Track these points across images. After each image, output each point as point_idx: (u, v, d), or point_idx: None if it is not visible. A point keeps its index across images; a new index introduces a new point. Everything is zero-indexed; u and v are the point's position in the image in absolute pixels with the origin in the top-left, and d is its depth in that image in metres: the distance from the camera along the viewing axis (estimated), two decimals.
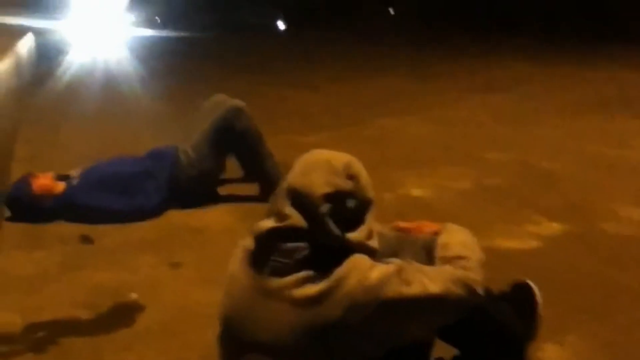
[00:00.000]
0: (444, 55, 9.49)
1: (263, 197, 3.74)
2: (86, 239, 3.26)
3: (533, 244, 2.97)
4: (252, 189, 3.83)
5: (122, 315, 2.54)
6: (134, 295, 2.66)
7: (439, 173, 4.12)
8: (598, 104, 5.90)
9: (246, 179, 3.96)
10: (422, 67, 8.76)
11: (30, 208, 3.44)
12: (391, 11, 14.60)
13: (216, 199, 3.79)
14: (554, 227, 3.12)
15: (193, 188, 3.75)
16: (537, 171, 4.05)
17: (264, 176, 3.81)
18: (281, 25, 14.10)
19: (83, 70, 5.51)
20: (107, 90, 6.08)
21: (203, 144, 3.76)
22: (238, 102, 3.84)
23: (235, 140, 3.78)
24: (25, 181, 3.49)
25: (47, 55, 4.17)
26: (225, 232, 3.36)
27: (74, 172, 3.68)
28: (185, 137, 3.87)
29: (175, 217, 3.58)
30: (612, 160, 4.12)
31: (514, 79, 7.56)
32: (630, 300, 2.40)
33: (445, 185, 3.87)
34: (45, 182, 3.52)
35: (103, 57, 5.09)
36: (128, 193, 3.58)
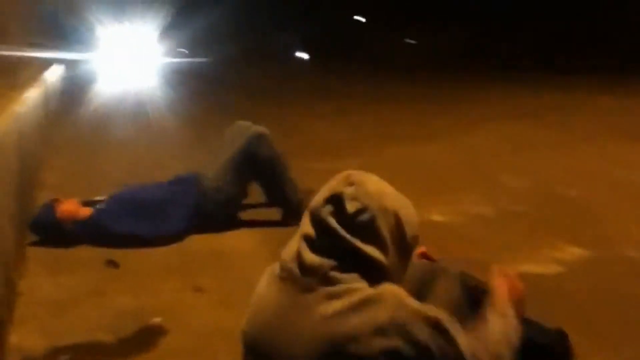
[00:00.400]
0: (463, 84, 9.53)
1: (285, 222, 3.77)
2: (112, 263, 3.28)
3: (556, 269, 2.94)
4: (273, 213, 3.85)
5: (145, 339, 2.55)
6: (157, 320, 2.67)
7: (459, 199, 4.10)
8: (617, 131, 5.85)
9: (269, 204, 3.98)
10: (442, 94, 8.79)
11: (53, 232, 3.49)
12: (411, 41, 14.73)
13: (238, 224, 3.81)
14: (575, 252, 3.09)
15: (217, 213, 3.78)
16: (556, 197, 4.02)
17: (286, 201, 3.83)
18: (304, 55, 14.28)
19: (113, 99, 5.61)
20: (136, 118, 6.17)
21: (227, 170, 3.80)
22: (261, 129, 3.87)
23: (258, 167, 3.81)
24: (49, 206, 3.55)
25: (79, 83, 4.28)
26: (248, 256, 3.37)
27: (100, 198, 3.73)
28: (209, 163, 3.92)
29: (198, 241, 3.60)
30: (634, 186, 4.07)
31: (533, 106, 7.55)
32: None
33: (466, 211, 3.86)
34: (69, 207, 3.57)
35: (133, 86, 5.18)
36: (153, 219, 3.61)
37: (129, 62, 9.57)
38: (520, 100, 8.21)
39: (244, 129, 3.91)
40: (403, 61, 12.36)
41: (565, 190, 4.12)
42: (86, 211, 3.60)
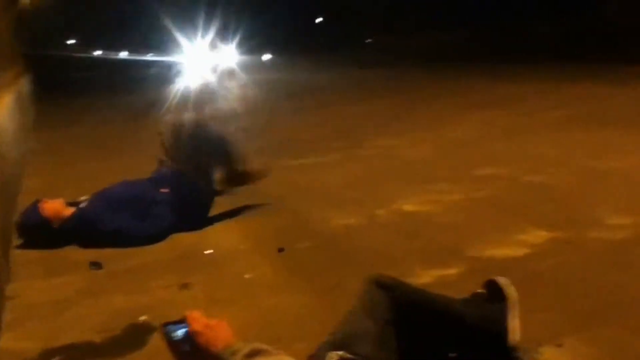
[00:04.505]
0: (434, 77, 9.60)
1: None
2: (95, 265, 3.24)
3: (524, 251, 2.95)
4: (257, 211, 3.85)
5: (136, 338, 2.51)
6: (144, 318, 2.64)
7: (432, 188, 4.11)
8: (582, 118, 5.90)
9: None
10: (416, 88, 8.85)
11: (40, 231, 3.42)
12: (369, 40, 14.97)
13: (222, 221, 3.80)
14: (543, 235, 3.10)
15: (200, 206, 3.78)
16: (524, 183, 4.03)
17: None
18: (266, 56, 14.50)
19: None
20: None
21: (191, 161, 3.84)
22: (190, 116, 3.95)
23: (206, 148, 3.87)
24: (35, 206, 3.49)
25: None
26: (234, 252, 3.35)
27: (84, 197, 3.69)
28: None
29: (184, 239, 3.57)
30: (599, 171, 4.10)
31: (501, 96, 7.61)
32: (626, 303, 2.37)
33: (438, 200, 3.86)
34: (54, 206, 3.52)
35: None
36: (138, 217, 3.58)
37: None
38: (489, 91, 8.27)
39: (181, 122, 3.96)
40: (379, 58, 12.44)
41: (533, 177, 4.13)
42: (70, 210, 3.55)
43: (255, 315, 2.58)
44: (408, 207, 3.78)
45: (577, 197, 3.65)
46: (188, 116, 3.98)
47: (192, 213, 3.72)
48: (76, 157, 6.72)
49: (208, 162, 3.89)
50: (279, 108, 7.65)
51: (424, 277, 2.75)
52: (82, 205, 3.62)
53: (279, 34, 14.96)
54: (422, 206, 3.78)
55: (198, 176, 3.81)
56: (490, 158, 4.77)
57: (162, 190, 3.74)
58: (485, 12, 17.17)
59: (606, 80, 7.96)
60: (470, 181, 4.19)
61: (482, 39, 14.65)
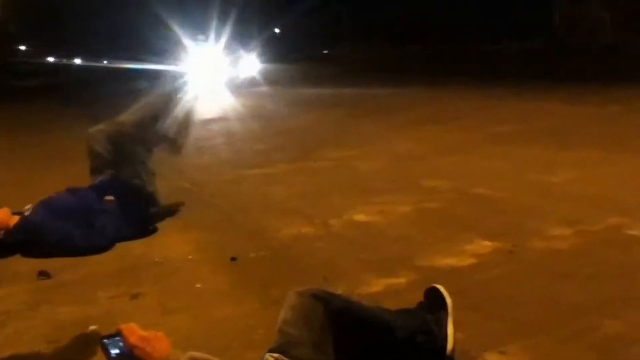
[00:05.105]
0: (387, 93, 9.75)
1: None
2: (43, 275, 3.17)
3: (470, 261, 3.03)
4: (204, 220, 3.84)
5: (85, 348, 2.47)
6: (93, 327, 2.60)
7: (382, 200, 4.17)
8: (529, 134, 6.07)
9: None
10: (367, 101, 8.96)
11: None
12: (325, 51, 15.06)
13: (169, 231, 3.79)
14: (488, 245, 3.19)
15: (144, 212, 3.77)
16: (471, 195, 4.13)
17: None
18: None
19: None
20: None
21: (132, 164, 3.86)
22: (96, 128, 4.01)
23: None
24: None
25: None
26: (184, 262, 3.32)
27: (27, 207, 3.61)
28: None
29: (133, 249, 3.53)
30: (541, 185, 4.23)
31: (452, 112, 7.76)
32: (565, 312, 2.46)
33: (388, 211, 3.92)
34: (0, 216, 3.44)
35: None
36: (81, 223, 3.53)
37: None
38: (439, 106, 8.42)
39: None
40: (332, 71, 12.55)
41: (479, 189, 4.23)
42: (15, 219, 3.47)
43: (206, 324, 2.57)
44: (359, 218, 3.83)
45: (520, 209, 3.76)
46: (118, 122, 4.00)
47: (137, 221, 3.69)
48: (20, 166, 6.58)
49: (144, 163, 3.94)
50: (231, 118, 7.63)
51: (374, 286, 2.79)
52: (26, 214, 3.54)
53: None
54: (372, 217, 3.83)
55: (138, 182, 3.82)
56: (438, 171, 4.87)
57: (107, 198, 3.70)
58: (439, 30, 17.66)
59: (552, 97, 8.21)
60: (419, 193, 4.27)
61: (432, 55, 15.01)
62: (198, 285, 2.98)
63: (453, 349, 2.07)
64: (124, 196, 3.75)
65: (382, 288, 2.78)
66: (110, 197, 3.72)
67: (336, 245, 3.43)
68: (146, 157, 4.03)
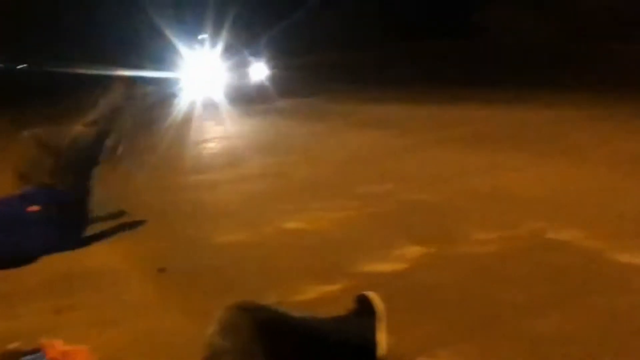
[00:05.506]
0: (331, 96, 9.80)
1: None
2: None
3: (403, 266, 3.05)
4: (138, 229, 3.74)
5: None
6: (15, 345, 2.47)
7: (317, 206, 4.16)
8: (464, 139, 6.17)
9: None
10: (305, 108, 8.97)
11: None
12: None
13: (97, 242, 3.66)
14: (421, 251, 3.22)
15: (74, 223, 3.63)
16: (407, 201, 4.16)
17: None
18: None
19: None
20: None
21: (67, 175, 3.72)
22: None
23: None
24: None
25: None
26: (112, 273, 3.23)
27: None
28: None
29: (58, 260, 3.41)
30: (476, 190, 4.32)
31: (392, 116, 7.84)
32: (493, 315, 2.51)
33: (322, 217, 3.92)
34: None
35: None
36: (7, 237, 3.38)
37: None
38: (378, 111, 8.46)
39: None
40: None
41: (413, 194, 4.27)
42: None
43: (133, 337, 2.50)
44: (292, 225, 3.81)
45: (450, 213, 3.82)
46: (57, 129, 3.86)
47: (66, 232, 3.55)
48: None
49: (82, 173, 3.79)
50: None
51: (308, 293, 2.78)
52: None
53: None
54: (306, 224, 3.82)
55: (71, 191, 3.68)
56: (374, 176, 4.89)
57: (31, 208, 3.55)
58: (380, 34, 17.62)
59: (489, 101, 8.40)
60: (353, 199, 4.28)
61: (371, 60, 15.05)
62: (126, 298, 2.89)
63: (384, 355, 2.08)
64: (58, 207, 3.59)
65: (316, 295, 2.76)
66: (35, 207, 3.57)
67: (270, 252, 3.40)
68: (86, 166, 3.86)
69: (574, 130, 5.92)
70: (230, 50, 9.98)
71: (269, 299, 2.58)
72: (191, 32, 10.10)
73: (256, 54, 10.64)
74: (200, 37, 10.97)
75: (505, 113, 7.29)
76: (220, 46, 9.85)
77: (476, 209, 3.86)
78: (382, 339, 2.08)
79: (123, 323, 2.64)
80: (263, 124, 8.24)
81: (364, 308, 2.17)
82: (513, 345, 2.24)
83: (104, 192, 4.21)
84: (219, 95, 9.55)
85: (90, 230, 3.80)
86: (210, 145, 7.12)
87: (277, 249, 3.43)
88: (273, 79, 10.58)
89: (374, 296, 2.18)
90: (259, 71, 10.67)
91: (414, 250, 3.21)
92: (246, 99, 9.90)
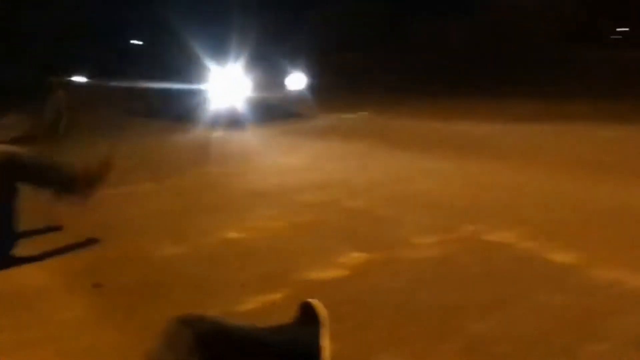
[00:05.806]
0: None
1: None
2: None
3: (344, 273, 3.04)
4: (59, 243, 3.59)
5: None
6: None
7: (256, 215, 4.11)
8: (401, 145, 6.27)
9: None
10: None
11: None
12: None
13: (23, 260, 3.49)
14: (360, 257, 3.23)
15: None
16: (346, 208, 4.17)
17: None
18: None
19: None
20: None
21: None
22: None
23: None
24: None
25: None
26: (44, 291, 3.08)
27: None
28: None
29: None
30: (412, 196, 4.37)
31: (334, 124, 7.85)
32: (434, 316, 2.51)
33: (262, 226, 3.87)
34: None
35: None
36: None
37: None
38: (320, 117, 8.47)
39: None
40: None
41: (351, 201, 4.30)
42: None
43: (67, 357, 2.39)
44: (232, 235, 3.74)
45: (392, 220, 3.86)
46: None
47: None
48: None
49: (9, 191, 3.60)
50: (96, 134, 7.28)
51: (250, 304, 2.73)
52: None
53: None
54: (246, 233, 3.77)
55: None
56: (312, 184, 4.88)
57: None
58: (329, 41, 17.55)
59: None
60: (293, 207, 4.26)
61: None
62: (59, 316, 2.76)
63: None
64: None
65: (259, 305, 2.72)
66: None
67: (209, 264, 3.32)
68: (10, 181, 3.64)
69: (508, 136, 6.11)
70: (262, 59, 8.99)
71: (211, 311, 2.52)
72: (218, 41, 9.00)
73: (292, 61, 9.57)
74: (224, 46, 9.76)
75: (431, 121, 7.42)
76: (250, 55, 8.81)
77: (411, 215, 3.90)
78: (326, 346, 2.07)
79: (57, 342, 2.51)
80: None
81: (308, 315, 2.15)
82: (450, 347, 2.27)
83: (36, 207, 4.03)
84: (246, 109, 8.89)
85: (21, 247, 3.61)
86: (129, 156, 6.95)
87: (216, 260, 3.36)
88: (311, 88, 9.71)
89: (317, 303, 2.17)
90: (297, 81, 9.65)
91: (357, 257, 3.22)
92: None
